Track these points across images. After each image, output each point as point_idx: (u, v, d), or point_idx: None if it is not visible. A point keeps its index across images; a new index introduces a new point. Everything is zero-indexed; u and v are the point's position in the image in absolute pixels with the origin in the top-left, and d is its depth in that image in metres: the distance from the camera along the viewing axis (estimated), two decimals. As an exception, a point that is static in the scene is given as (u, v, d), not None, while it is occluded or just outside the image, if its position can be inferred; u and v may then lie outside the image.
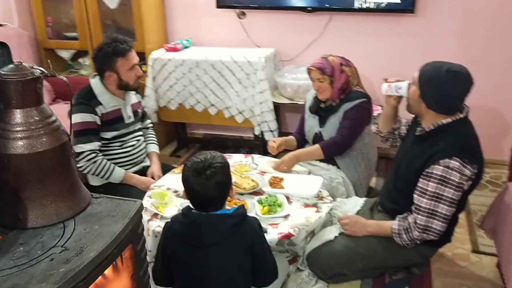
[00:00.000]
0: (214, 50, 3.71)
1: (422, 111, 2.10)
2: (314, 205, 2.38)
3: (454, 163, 1.97)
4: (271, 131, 3.54)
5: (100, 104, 2.71)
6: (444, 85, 1.98)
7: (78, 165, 2.70)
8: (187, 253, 1.73)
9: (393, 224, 2.16)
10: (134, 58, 2.70)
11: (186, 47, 3.82)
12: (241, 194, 2.46)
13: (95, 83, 2.75)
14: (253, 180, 2.54)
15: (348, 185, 2.80)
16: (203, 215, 1.72)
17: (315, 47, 3.70)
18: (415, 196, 2.08)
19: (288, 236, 2.15)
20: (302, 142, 2.99)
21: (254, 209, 2.32)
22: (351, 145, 2.75)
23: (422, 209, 2.04)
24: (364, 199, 2.58)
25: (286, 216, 2.27)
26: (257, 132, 3.59)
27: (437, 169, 1.99)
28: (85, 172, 2.72)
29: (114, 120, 2.77)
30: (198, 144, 4.20)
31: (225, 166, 1.73)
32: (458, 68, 1.99)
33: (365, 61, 3.47)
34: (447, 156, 1.97)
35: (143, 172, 2.93)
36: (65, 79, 1.47)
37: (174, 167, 2.97)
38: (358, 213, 2.45)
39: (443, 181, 1.99)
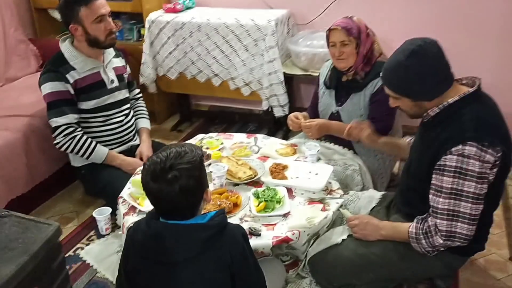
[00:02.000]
0: (220, 11, 3.26)
1: (426, 107, 1.74)
2: (321, 201, 2.00)
3: (470, 148, 1.58)
4: (281, 106, 3.12)
5: (73, 69, 2.35)
6: (416, 71, 1.66)
7: (55, 142, 2.39)
8: (148, 271, 1.38)
9: (411, 227, 1.78)
10: (101, 7, 2.31)
11: (188, 8, 3.38)
12: (236, 184, 2.10)
13: (65, 46, 2.39)
14: (250, 168, 2.17)
15: (365, 174, 2.40)
16: (169, 226, 1.36)
17: (336, 9, 3.21)
18: (430, 196, 1.71)
19: (284, 241, 1.80)
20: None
21: (248, 204, 1.96)
22: (389, 131, 2.35)
23: (440, 211, 1.68)
24: (382, 193, 2.17)
25: (285, 215, 1.91)
26: (265, 107, 3.17)
27: (450, 160, 1.62)
28: (62, 149, 2.41)
29: (92, 86, 2.41)
30: (203, 118, 3.81)
31: (193, 167, 1.35)
32: (413, 46, 1.67)
33: (393, 27, 3.01)
34: (460, 141, 1.60)
35: (131, 152, 2.60)
36: None
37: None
38: (372, 210, 2.06)
39: (459, 173, 1.61)
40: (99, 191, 2.49)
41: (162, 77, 3.40)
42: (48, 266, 1.09)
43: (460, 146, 1.59)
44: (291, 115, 2.44)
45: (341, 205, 2.03)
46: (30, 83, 2.42)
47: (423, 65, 1.65)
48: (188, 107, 3.81)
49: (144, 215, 1.52)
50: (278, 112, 3.15)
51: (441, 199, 1.66)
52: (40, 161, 2.56)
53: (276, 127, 3.51)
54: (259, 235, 1.80)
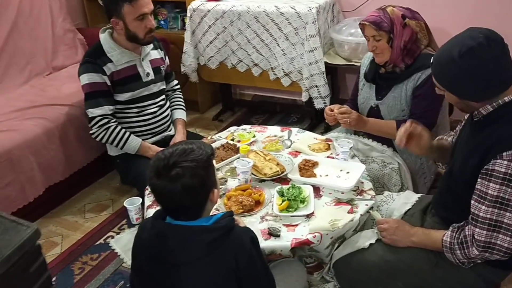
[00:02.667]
0: (261, -1, 3.17)
1: (473, 106, 1.56)
2: (349, 202, 1.88)
3: None
4: (322, 97, 3.00)
5: (110, 61, 2.37)
6: (469, 72, 1.46)
7: (91, 132, 2.43)
8: (153, 271, 1.35)
9: (445, 235, 1.63)
10: (145, 6, 2.30)
11: (231, -5, 3.31)
12: (262, 180, 2.03)
13: (104, 38, 2.41)
14: (278, 164, 2.08)
15: (405, 174, 2.25)
16: (172, 226, 1.32)
17: (384, -5, 3.02)
18: (472, 202, 1.55)
19: (305, 244, 1.71)
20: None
21: (271, 202, 1.88)
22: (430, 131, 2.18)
23: (481, 220, 1.52)
24: (419, 195, 2.01)
25: (308, 216, 1.81)
26: (304, 99, 3.06)
27: (499, 165, 1.45)
28: (97, 139, 2.45)
29: (128, 78, 2.43)
30: (245, 108, 3.76)
31: (199, 165, 1.30)
32: (473, 43, 1.45)
33: (450, 14, 2.82)
34: None
35: (165, 142, 2.59)
36: None
37: (202, 137, 2.59)
38: (406, 214, 1.92)
39: (509, 181, 1.45)
40: (132, 181, 2.52)
41: (204, 66, 3.38)
42: (23, 271, 1.08)
43: None
44: (327, 108, 2.32)
45: (372, 207, 1.90)
46: (74, 72, 2.47)
47: (479, 68, 1.46)
48: (230, 97, 3.77)
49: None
50: (318, 104, 3.03)
51: (483, 207, 1.50)
52: (77, 150, 2.63)
53: (319, 118, 3.38)
54: (278, 236, 1.72)
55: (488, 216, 1.50)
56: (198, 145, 1.37)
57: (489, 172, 1.48)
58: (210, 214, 1.43)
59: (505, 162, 1.44)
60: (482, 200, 1.51)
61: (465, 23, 2.81)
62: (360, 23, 2.15)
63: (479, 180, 1.53)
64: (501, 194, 1.46)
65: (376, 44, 2.11)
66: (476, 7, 2.86)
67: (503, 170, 1.45)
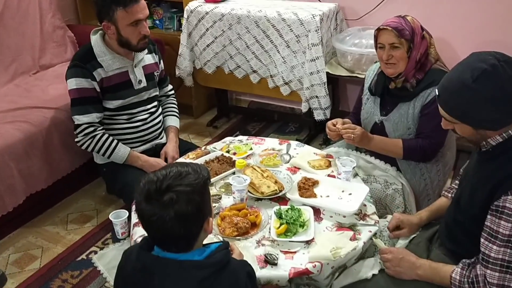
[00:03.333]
0: (264, 3, 3.03)
1: (489, 135, 1.44)
2: (351, 228, 1.75)
3: None
4: (322, 109, 2.87)
5: (100, 66, 2.22)
6: (487, 97, 1.35)
7: (76, 140, 2.28)
8: (136, 309, 1.21)
9: (454, 272, 1.51)
10: (140, 12, 2.15)
11: (230, -2, 3.18)
12: (259, 199, 1.89)
13: (95, 40, 2.25)
14: (276, 182, 1.94)
15: (409, 196, 2.14)
16: (160, 260, 1.17)
17: (391, 4, 2.91)
18: (482, 240, 1.43)
19: (303, 274, 1.58)
20: None
21: (268, 224, 1.75)
22: (436, 153, 2.09)
23: (492, 261, 1.40)
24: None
25: (308, 242, 1.68)
26: (304, 109, 2.93)
27: (510, 202, 1.35)
28: (83, 148, 2.30)
29: (118, 85, 2.28)
30: (241, 115, 3.63)
31: (195, 190, 1.16)
32: (485, 65, 1.34)
33: (456, 25, 2.73)
34: None
35: (156, 151, 2.45)
36: None
37: (197, 148, 2.44)
38: (411, 242, 1.79)
39: None
40: (118, 191, 2.37)
41: (199, 70, 3.24)
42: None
43: None
44: (329, 122, 2.19)
45: (375, 233, 1.78)
46: (62, 71, 2.32)
47: (496, 91, 1.34)
48: (226, 102, 3.64)
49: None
50: (318, 115, 2.90)
51: (495, 247, 1.38)
52: (62, 156, 2.48)
53: (318, 129, 3.26)
54: (276, 264, 1.59)
55: (500, 256, 1.37)
56: (194, 167, 1.23)
57: (500, 209, 1.37)
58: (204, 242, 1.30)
59: None
60: (493, 239, 1.39)
61: (471, 35, 2.77)
62: (378, 29, 2.00)
63: (489, 216, 1.41)
64: None
65: (393, 52, 1.96)
66: (482, 19, 2.76)
67: None
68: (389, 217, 1.94)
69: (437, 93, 1.47)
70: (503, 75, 1.33)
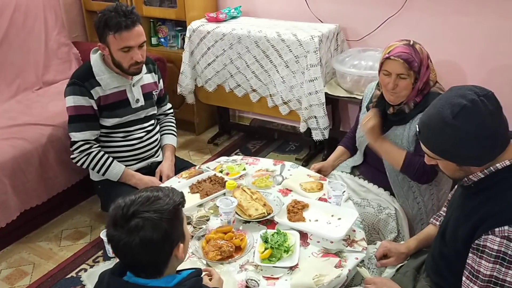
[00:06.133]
0: (264, 23, 3.05)
1: (472, 171, 1.40)
2: (337, 254, 1.72)
3: None
4: (321, 129, 2.85)
5: (98, 85, 2.24)
6: (468, 133, 1.31)
7: (72, 156, 2.30)
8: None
9: None
10: (130, 39, 2.16)
11: (233, 17, 3.20)
12: (246, 222, 1.88)
13: (95, 59, 2.28)
14: (265, 204, 1.93)
15: (402, 220, 2.10)
16: (128, 285, 1.16)
17: (392, 25, 2.90)
18: (464, 278, 1.39)
19: (285, 301, 1.55)
20: (353, 150, 2.31)
21: (253, 247, 1.73)
22: (433, 177, 2.04)
23: None
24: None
25: (291, 268, 1.65)
26: (302, 129, 2.92)
27: (491, 242, 1.30)
28: (78, 164, 2.31)
29: (116, 104, 2.30)
30: (242, 133, 3.63)
31: (162, 217, 1.15)
32: (464, 101, 1.31)
33: (458, 47, 2.71)
34: (506, 221, 1.28)
35: (151, 169, 2.46)
36: None
37: (192, 165, 2.44)
38: (398, 271, 1.76)
39: (502, 259, 1.29)
40: (111, 209, 2.37)
41: (201, 88, 3.26)
42: None
43: (505, 227, 1.26)
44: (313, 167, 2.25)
45: (362, 261, 1.74)
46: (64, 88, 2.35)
47: (477, 127, 1.30)
48: (227, 119, 3.65)
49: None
50: (317, 136, 2.89)
51: (476, 287, 1.34)
52: (58, 173, 2.50)
53: (318, 148, 3.25)
54: (257, 289, 1.57)
55: None
56: (166, 192, 1.22)
57: (481, 249, 1.32)
58: (179, 268, 1.29)
59: (498, 239, 1.28)
60: (474, 279, 1.35)
61: (476, 58, 2.74)
62: (386, 57, 1.93)
63: (470, 254, 1.37)
64: (494, 274, 1.29)
65: (399, 82, 1.92)
66: (487, 41, 2.73)
67: (495, 247, 1.28)
68: (379, 243, 1.90)
69: (417, 129, 1.43)
70: (483, 110, 1.29)
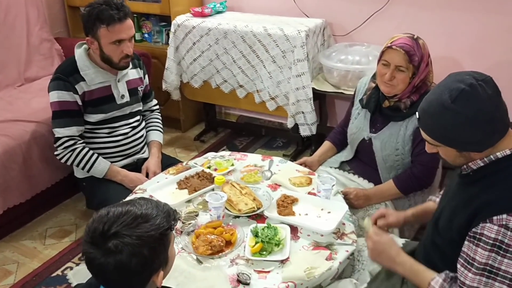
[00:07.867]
0: (250, 18, 3.04)
1: (473, 158, 1.40)
2: (328, 247, 1.72)
3: None
4: (308, 124, 2.85)
5: (83, 80, 2.20)
6: (468, 118, 1.31)
7: (56, 153, 2.25)
8: None
9: (434, 281, 1.45)
10: (122, 31, 2.14)
11: (218, 12, 3.17)
12: (236, 216, 1.86)
13: (79, 54, 2.24)
14: (254, 199, 1.91)
15: (392, 216, 2.09)
16: None
17: (378, 20, 2.91)
18: (458, 266, 1.39)
19: (277, 295, 1.54)
20: (341, 146, 2.30)
21: (244, 242, 1.72)
22: (434, 178, 2.04)
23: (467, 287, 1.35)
24: (404, 241, 1.85)
25: (282, 261, 1.64)
26: (290, 125, 2.91)
27: (489, 230, 1.30)
28: (62, 161, 2.27)
29: (100, 100, 2.26)
30: (229, 129, 3.60)
31: (144, 243, 1.07)
32: (463, 85, 1.31)
33: (446, 43, 2.72)
34: (505, 210, 1.29)
35: (137, 165, 2.42)
36: None
37: (179, 162, 2.41)
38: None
39: (499, 248, 1.29)
40: (97, 206, 2.29)
41: (186, 84, 3.23)
42: None
43: (504, 216, 1.27)
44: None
45: (352, 253, 1.74)
46: (47, 84, 2.29)
47: (476, 111, 1.30)
48: (214, 116, 3.62)
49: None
50: (304, 131, 2.88)
51: (470, 274, 1.34)
52: (42, 170, 2.44)
53: (305, 144, 3.24)
54: (248, 284, 1.55)
55: (475, 285, 1.33)
56: (158, 212, 1.13)
57: (478, 236, 1.33)
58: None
59: (495, 227, 1.28)
60: (469, 266, 1.35)
61: (464, 52, 2.76)
62: (388, 47, 1.91)
63: (466, 242, 1.37)
64: (489, 262, 1.30)
65: (396, 74, 1.90)
66: (475, 36, 2.75)
67: (492, 235, 1.29)
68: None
69: (417, 116, 1.43)
70: (482, 94, 1.30)
